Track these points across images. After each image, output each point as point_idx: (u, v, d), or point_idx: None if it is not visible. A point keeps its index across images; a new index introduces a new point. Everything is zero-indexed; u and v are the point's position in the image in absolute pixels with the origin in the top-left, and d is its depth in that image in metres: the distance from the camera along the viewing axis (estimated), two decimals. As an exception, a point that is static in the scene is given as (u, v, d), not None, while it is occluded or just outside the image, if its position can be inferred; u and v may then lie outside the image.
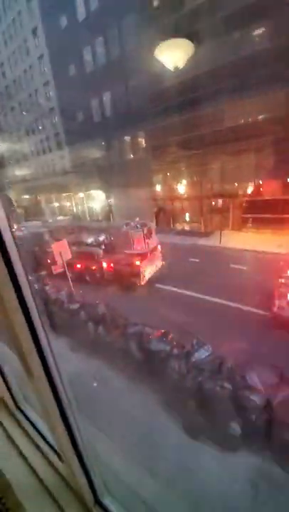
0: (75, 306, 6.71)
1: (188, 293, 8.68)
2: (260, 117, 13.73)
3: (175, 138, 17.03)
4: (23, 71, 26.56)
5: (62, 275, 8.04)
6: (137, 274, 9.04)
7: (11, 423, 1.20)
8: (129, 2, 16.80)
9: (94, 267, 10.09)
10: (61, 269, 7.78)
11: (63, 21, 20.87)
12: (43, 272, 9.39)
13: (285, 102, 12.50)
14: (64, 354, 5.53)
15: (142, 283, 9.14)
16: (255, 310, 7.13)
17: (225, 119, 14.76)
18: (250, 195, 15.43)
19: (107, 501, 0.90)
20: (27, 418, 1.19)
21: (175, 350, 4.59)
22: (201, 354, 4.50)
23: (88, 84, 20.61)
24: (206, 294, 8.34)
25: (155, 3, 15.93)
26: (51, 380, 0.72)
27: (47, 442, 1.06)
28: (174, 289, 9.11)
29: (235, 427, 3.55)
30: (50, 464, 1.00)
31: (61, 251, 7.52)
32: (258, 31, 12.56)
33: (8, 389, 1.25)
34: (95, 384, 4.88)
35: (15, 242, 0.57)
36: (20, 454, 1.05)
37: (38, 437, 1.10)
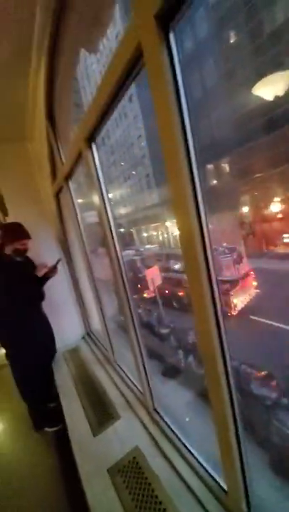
0: (166, 330, 6.91)
1: (292, 329, 7.21)
2: None
3: (260, 156, 15.98)
4: (122, 131, 33.54)
5: (152, 299, 8.59)
6: (227, 303, 8.42)
7: (151, 424, 1.44)
8: (207, 45, 18.40)
9: (181, 293, 10.22)
10: (152, 294, 8.39)
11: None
12: (135, 296, 10.36)
13: None
14: (157, 378, 5.68)
15: (234, 313, 8.38)
16: None
17: None
18: None
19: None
20: (163, 419, 1.43)
21: (285, 400, 3.82)
22: None
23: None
24: None
25: (232, 40, 16.75)
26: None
27: (184, 446, 1.23)
28: (273, 323, 7.79)
29: None
30: (192, 467, 1.11)
31: (153, 277, 8.17)
32: None
33: (150, 393, 1.50)
34: (187, 419, 4.65)
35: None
36: (164, 455, 1.23)
37: (175, 439, 1.28)
